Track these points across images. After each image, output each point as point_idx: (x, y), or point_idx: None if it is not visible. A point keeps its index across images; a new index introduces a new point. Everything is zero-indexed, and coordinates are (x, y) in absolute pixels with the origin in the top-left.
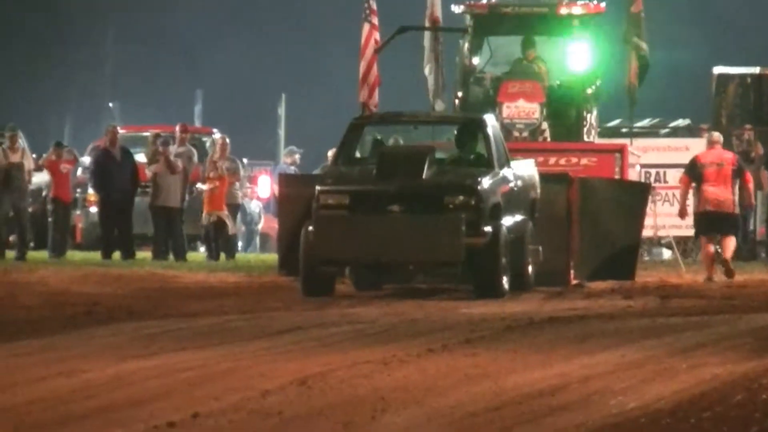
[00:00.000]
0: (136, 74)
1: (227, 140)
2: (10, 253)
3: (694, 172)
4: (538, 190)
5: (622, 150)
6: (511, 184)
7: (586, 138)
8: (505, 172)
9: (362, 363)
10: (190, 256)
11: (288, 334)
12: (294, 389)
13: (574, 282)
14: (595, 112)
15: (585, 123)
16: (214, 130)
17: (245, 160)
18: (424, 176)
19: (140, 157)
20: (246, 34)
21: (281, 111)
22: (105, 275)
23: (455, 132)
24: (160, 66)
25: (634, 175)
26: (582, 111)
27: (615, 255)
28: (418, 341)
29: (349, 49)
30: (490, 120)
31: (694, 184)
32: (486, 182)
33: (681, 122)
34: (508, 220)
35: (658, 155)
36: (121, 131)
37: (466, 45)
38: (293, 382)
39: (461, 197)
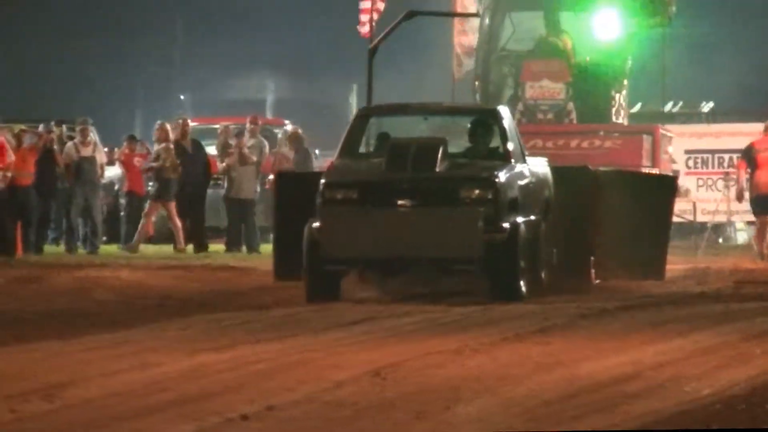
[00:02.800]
0: (207, 66)
1: (300, 132)
2: (83, 247)
3: (749, 157)
4: (552, 190)
5: (653, 132)
6: (527, 181)
7: (614, 119)
8: (521, 167)
9: (435, 353)
10: (263, 247)
11: (360, 325)
12: (367, 380)
13: (595, 282)
14: (624, 92)
15: (614, 103)
16: (286, 122)
17: (317, 152)
18: (437, 168)
19: (211, 150)
20: (316, 25)
21: (353, 101)
22: (177, 268)
23: (468, 125)
24: (231, 57)
25: (680, 159)
26: (611, 90)
27: (641, 253)
28: (491, 330)
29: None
30: (505, 112)
31: (749, 169)
32: (503, 176)
33: (705, 106)
34: (523, 219)
35: (734, 140)
36: (192, 123)
37: (487, 21)
38: (366, 372)
39: (478, 190)
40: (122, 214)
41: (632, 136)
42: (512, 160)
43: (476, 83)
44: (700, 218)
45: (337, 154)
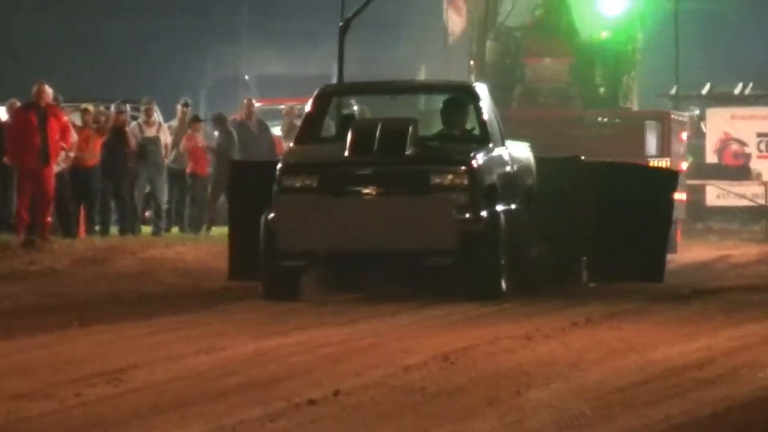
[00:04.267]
0: (272, 46)
1: (367, 112)
2: (147, 229)
3: None
4: (535, 178)
5: (662, 118)
6: (507, 166)
7: (623, 104)
8: (501, 150)
9: (506, 338)
10: None
11: (429, 309)
12: (437, 365)
13: (588, 284)
14: (634, 73)
15: (623, 86)
16: (352, 102)
17: None
18: (406, 152)
19: (276, 130)
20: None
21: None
22: None
23: (442, 105)
24: (296, 37)
25: (752, 143)
26: (619, 72)
27: (638, 252)
28: (562, 315)
29: None
30: (483, 89)
31: None
32: (480, 159)
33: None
34: (502, 208)
35: None
36: (257, 104)
37: None
38: (435, 357)
39: (451, 175)
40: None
41: (634, 123)
42: (490, 143)
43: (471, 63)
44: None
45: (295, 138)
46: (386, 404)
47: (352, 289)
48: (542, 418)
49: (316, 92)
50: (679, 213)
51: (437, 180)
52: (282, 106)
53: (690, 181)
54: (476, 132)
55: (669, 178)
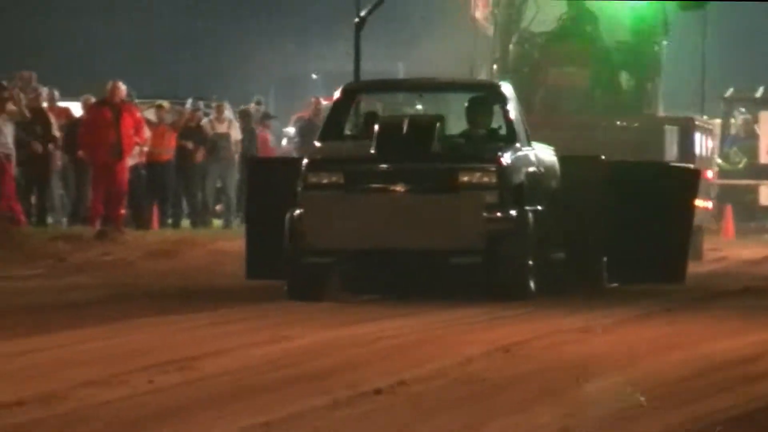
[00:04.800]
0: (339, 45)
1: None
2: (217, 222)
3: None
4: (559, 181)
5: (684, 124)
6: (534, 167)
7: (646, 110)
8: (528, 151)
9: (564, 331)
10: None
11: (479, 305)
12: (497, 356)
13: (609, 285)
14: (657, 80)
15: (645, 92)
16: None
17: None
18: (433, 150)
19: None
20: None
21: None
22: None
23: (467, 103)
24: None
25: None
26: (641, 78)
27: (659, 253)
28: (618, 310)
29: None
30: (509, 89)
31: None
32: (509, 158)
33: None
34: (530, 208)
35: None
36: (324, 102)
37: None
38: (496, 349)
39: (480, 174)
40: None
41: (654, 128)
42: (517, 143)
43: (494, 67)
44: None
45: (318, 135)
46: (448, 394)
47: (373, 290)
48: (598, 409)
49: (340, 89)
50: (704, 220)
51: (466, 178)
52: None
53: (744, 182)
54: (503, 131)
55: (690, 176)
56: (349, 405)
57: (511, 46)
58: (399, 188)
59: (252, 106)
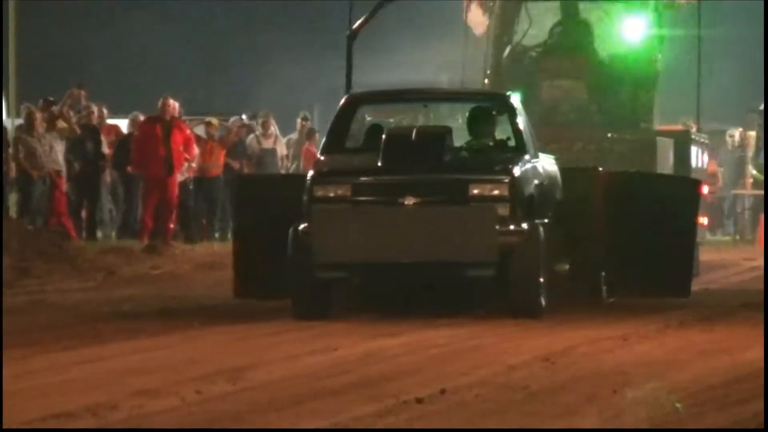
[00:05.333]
0: (382, 59)
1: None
2: None
3: None
4: (561, 192)
5: (681, 138)
6: (542, 178)
7: (643, 123)
8: (536, 162)
9: (604, 339)
10: None
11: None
12: (538, 364)
13: (608, 300)
14: (653, 93)
15: (641, 106)
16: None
17: None
18: (443, 161)
19: None
20: None
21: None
22: None
23: (469, 113)
24: (401, 47)
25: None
26: (637, 90)
27: (661, 267)
28: (657, 318)
29: None
30: (517, 100)
31: None
32: (520, 169)
33: None
34: (539, 221)
35: None
36: (367, 118)
37: (499, 12)
38: (537, 357)
39: (491, 185)
40: None
41: (646, 141)
42: (527, 154)
43: (485, 81)
44: None
45: (322, 148)
46: (491, 402)
47: (378, 306)
48: (638, 415)
49: (343, 100)
50: (699, 236)
51: (477, 190)
52: (392, 120)
53: None
54: (511, 142)
55: (692, 187)
56: (393, 413)
57: (503, 61)
58: (409, 200)
59: (298, 122)
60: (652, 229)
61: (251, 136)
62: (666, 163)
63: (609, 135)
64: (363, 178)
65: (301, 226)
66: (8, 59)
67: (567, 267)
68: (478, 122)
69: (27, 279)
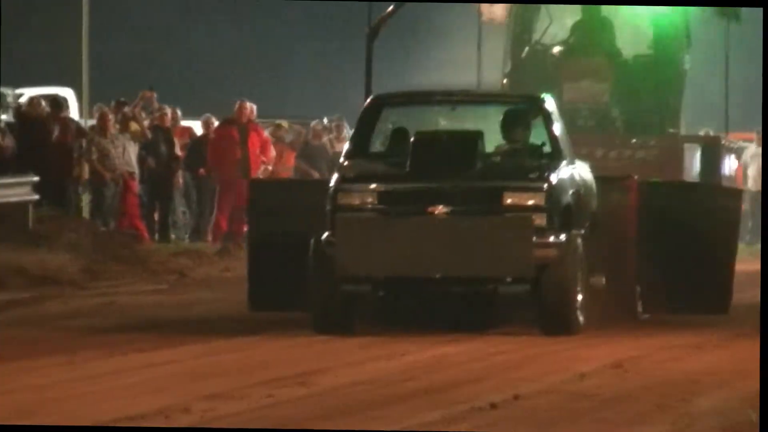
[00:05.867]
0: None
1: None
2: None
3: None
4: (597, 202)
5: (711, 143)
6: (578, 187)
7: (670, 129)
8: (572, 169)
9: (676, 346)
10: None
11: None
12: (609, 372)
13: (643, 316)
14: (680, 96)
15: (668, 109)
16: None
17: None
18: (474, 168)
19: None
20: None
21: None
22: None
23: (503, 116)
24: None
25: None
26: (664, 94)
27: (699, 282)
28: (729, 326)
29: None
30: (552, 102)
31: None
32: (557, 177)
33: None
34: (576, 232)
35: None
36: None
37: (518, 10)
38: (608, 365)
39: (527, 194)
40: None
41: (673, 148)
42: (563, 161)
43: (504, 82)
44: None
45: (345, 152)
46: (562, 409)
47: (400, 320)
48: (709, 423)
49: (368, 101)
50: None
51: (512, 199)
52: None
53: None
54: (546, 148)
55: (734, 198)
56: (463, 419)
57: (523, 61)
58: (439, 210)
59: None
60: (690, 241)
61: (325, 139)
62: (693, 171)
63: (633, 141)
64: (390, 185)
65: (324, 236)
66: (82, 62)
67: (603, 281)
68: (513, 126)
69: (99, 281)
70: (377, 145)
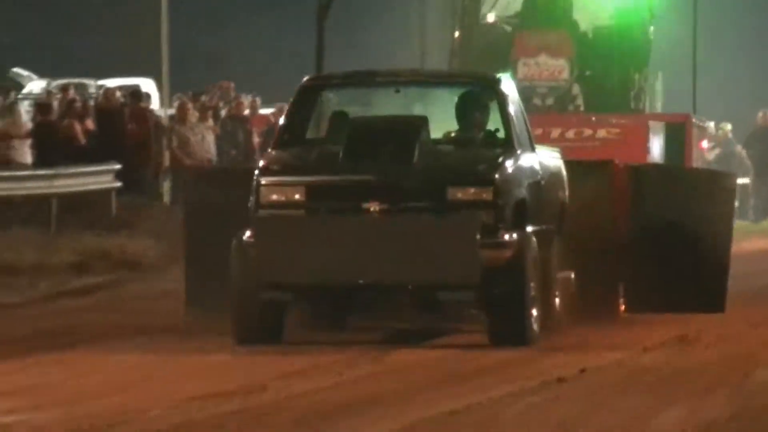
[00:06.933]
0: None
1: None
2: None
3: None
4: (567, 192)
5: (679, 121)
6: (538, 178)
7: (634, 106)
8: (530, 158)
9: (736, 323)
10: None
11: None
12: (674, 347)
13: (626, 314)
14: (646, 71)
15: (633, 85)
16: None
17: None
18: (415, 159)
19: None
20: None
21: (659, 86)
22: None
23: (457, 100)
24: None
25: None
26: (628, 68)
27: (690, 278)
28: None
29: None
30: (509, 84)
31: None
32: (507, 169)
33: None
34: (533, 230)
35: None
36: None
37: None
38: (671, 341)
39: (474, 189)
40: None
41: (634, 126)
42: (518, 149)
43: (452, 59)
44: None
45: (274, 140)
46: (627, 382)
47: (338, 327)
48: None
49: (300, 84)
50: None
51: (456, 195)
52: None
53: None
54: (500, 134)
55: (728, 184)
56: (533, 393)
57: (472, 35)
58: (374, 207)
59: None
60: (680, 232)
61: None
62: (655, 153)
63: (593, 119)
64: (319, 177)
65: (245, 237)
66: (162, 53)
67: (572, 276)
68: (467, 111)
69: (178, 265)
70: (318, 133)
